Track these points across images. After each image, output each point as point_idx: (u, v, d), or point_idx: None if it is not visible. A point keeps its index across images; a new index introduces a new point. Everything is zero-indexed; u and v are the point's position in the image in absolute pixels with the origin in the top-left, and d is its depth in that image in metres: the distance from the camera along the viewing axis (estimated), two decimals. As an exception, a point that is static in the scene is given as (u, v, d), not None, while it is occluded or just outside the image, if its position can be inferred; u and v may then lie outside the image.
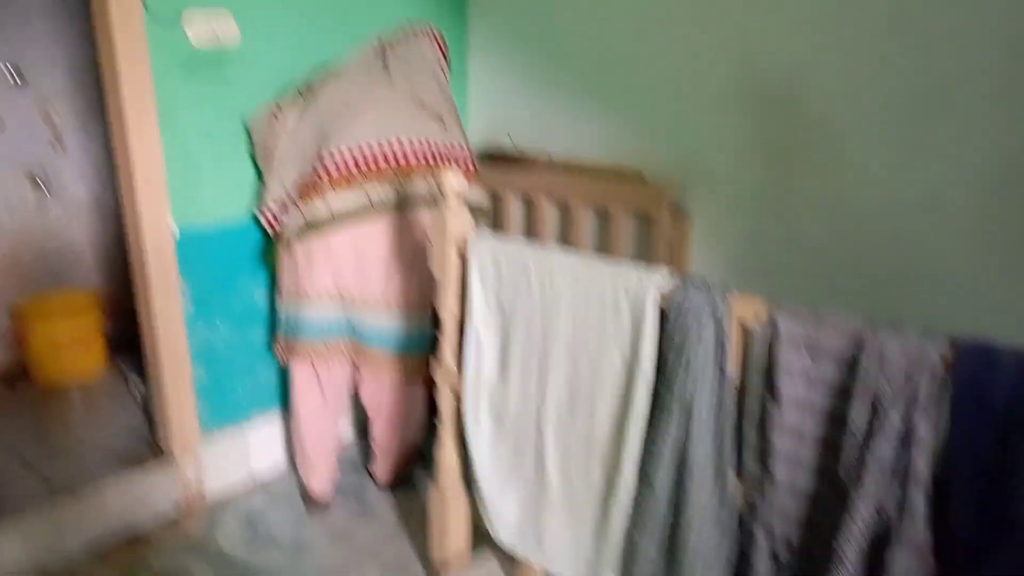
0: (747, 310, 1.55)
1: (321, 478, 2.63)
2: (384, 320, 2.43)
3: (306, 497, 2.65)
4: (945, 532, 1.32)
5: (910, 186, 2.12)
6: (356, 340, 2.46)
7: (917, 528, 1.34)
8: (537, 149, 2.90)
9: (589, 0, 2.68)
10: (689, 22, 2.45)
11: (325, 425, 2.59)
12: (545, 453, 1.88)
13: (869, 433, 1.35)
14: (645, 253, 2.55)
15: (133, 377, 3.10)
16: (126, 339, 2.74)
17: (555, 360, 1.82)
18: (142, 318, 2.52)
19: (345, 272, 2.37)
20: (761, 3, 2.29)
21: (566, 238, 2.73)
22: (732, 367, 1.58)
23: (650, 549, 1.70)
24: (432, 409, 2.59)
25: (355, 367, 2.57)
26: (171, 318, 2.47)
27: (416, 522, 2.58)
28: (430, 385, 2.57)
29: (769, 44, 2.29)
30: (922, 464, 1.31)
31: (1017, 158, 1.97)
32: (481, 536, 2.25)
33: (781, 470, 1.51)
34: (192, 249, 2.46)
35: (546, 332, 1.81)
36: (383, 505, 2.70)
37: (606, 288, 1.69)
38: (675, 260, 2.48)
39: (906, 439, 1.33)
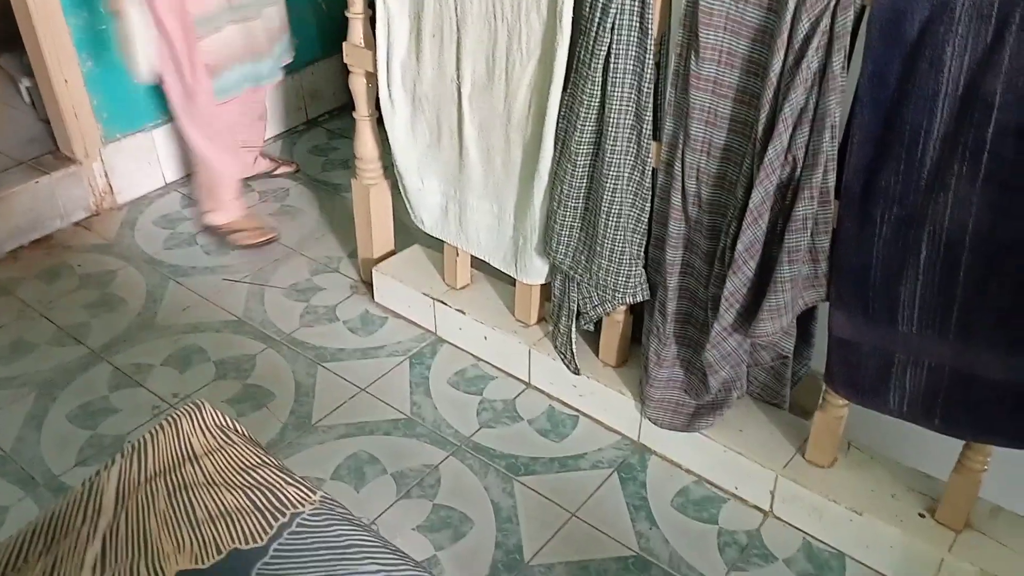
0: (670, -45, 1.43)
1: (231, 164, 2.39)
2: None
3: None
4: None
5: None
6: None
7: (825, 173, 1.36)
8: None
9: None
10: None
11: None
12: (463, 131, 1.83)
13: (783, 75, 1.32)
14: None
15: (23, 79, 2.86)
16: (7, 37, 2.49)
17: (470, 28, 1.70)
18: (16, 8, 2.27)
19: None
20: None
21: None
22: (655, 22, 1.49)
23: (570, 220, 1.72)
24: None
25: None
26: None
27: (340, 219, 2.58)
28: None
29: None
30: (833, 104, 1.29)
31: None
32: (408, 233, 2.26)
33: (697, 127, 1.49)
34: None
35: (457, -5, 1.67)
36: (307, 203, 2.67)
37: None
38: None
39: (821, 80, 1.30)
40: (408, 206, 2.04)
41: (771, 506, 1.70)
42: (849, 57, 1.29)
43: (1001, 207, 1.21)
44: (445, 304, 2.09)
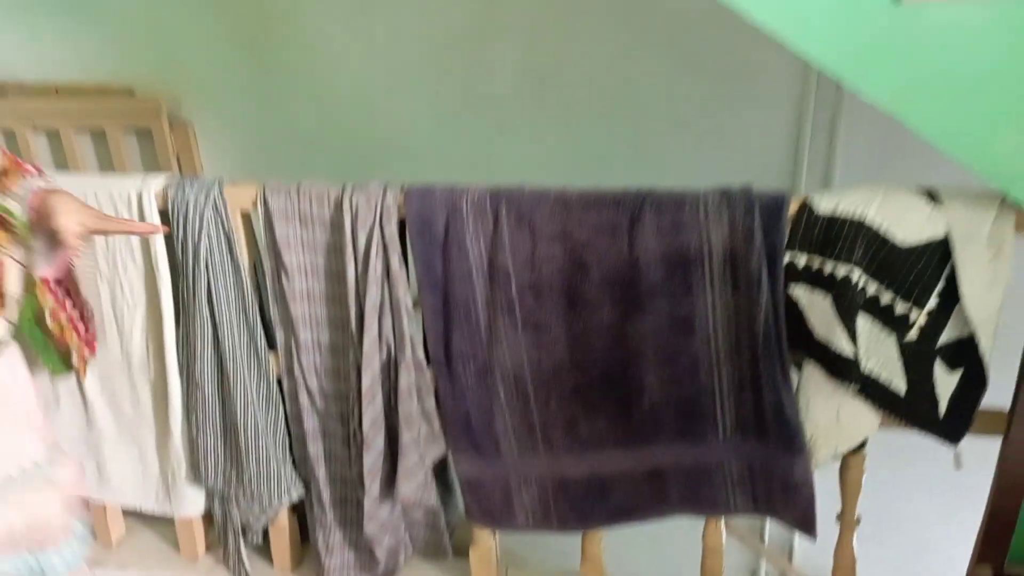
0: (244, 197, 1.66)
1: None
2: None
3: None
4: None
5: (373, 62, 2.42)
6: None
7: (413, 348, 1.63)
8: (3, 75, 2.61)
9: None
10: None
11: None
12: (83, 387, 1.84)
13: (358, 279, 1.59)
14: (154, 168, 2.51)
15: None
16: None
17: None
18: None
19: None
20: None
21: (64, 166, 2.55)
22: (243, 255, 1.69)
23: (212, 442, 1.80)
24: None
25: None
26: None
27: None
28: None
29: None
30: (402, 293, 1.59)
31: (453, 34, 2.36)
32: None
33: (304, 333, 1.70)
34: None
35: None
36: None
37: (104, 201, 1.66)
38: (184, 169, 2.48)
39: (388, 278, 1.59)
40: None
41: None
42: (405, 255, 1.61)
43: (537, 342, 1.57)
44: (103, 567, 1.99)
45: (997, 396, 1.47)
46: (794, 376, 1.53)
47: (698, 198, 1.46)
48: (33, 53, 2.55)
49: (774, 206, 1.43)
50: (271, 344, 1.76)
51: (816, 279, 1.43)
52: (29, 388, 1.44)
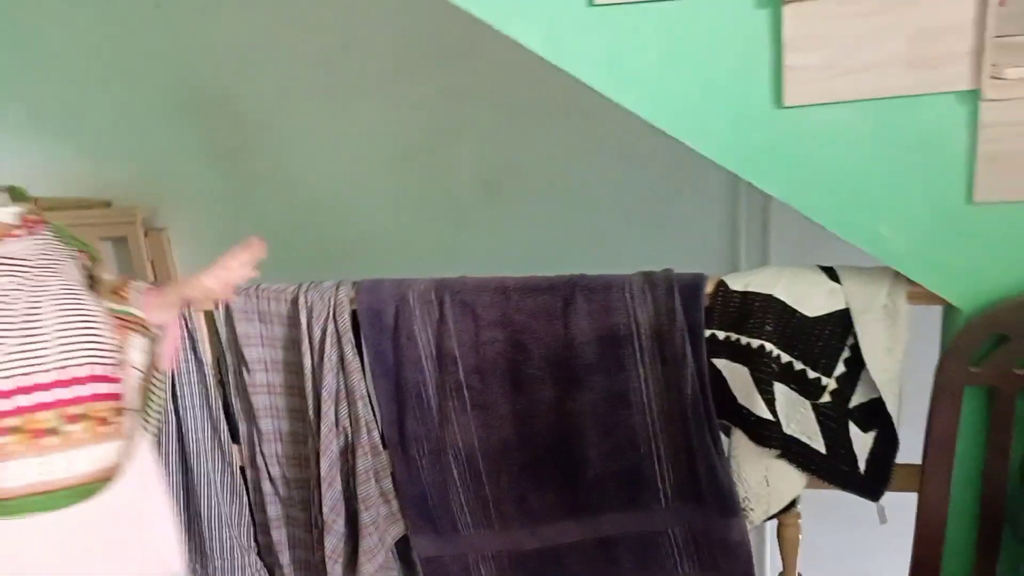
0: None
1: None
2: None
3: None
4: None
5: (340, 167, 2.59)
6: None
7: (369, 432, 1.73)
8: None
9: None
10: (127, 44, 2.57)
11: None
12: None
13: (315, 369, 1.70)
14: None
15: None
16: None
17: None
18: None
19: None
20: (193, 21, 2.52)
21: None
22: (206, 351, 1.80)
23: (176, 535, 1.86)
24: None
25: None
26: None
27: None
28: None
29: (205, 58, 2.54)
30: (356, 381, 1.70)
31: (414, 140, 2.55)
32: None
33: (266, 423, 1.79)
34: None
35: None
36: None
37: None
38: (158, 275, 2.61)
39: (343, 366, 1.70)
40: None
41: None
42: (359, 346, 1.72)
43: (486, 421, 1.67)
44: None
45: (915, 453, 1.58)
46: (726, 442, 1.63)
47: (624, 282, 1.60)
48: (18, 169, 2.70)
49: (692, 286, 1.57)
50: (234, 436, 1.85)
51: (735, 351, 1.56)
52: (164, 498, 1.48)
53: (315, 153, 2.62)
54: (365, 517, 1.73)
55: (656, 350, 1.59)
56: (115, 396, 1.28)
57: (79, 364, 1.22)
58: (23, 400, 1.17)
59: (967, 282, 1.41)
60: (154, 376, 1.45)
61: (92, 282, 1.39)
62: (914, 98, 1.32)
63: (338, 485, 1.75)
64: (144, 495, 1.40)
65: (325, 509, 1.73)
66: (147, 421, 1.45)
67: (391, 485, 1.76)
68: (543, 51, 1.39)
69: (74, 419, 1.20)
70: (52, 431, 1.18)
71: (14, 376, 1.17)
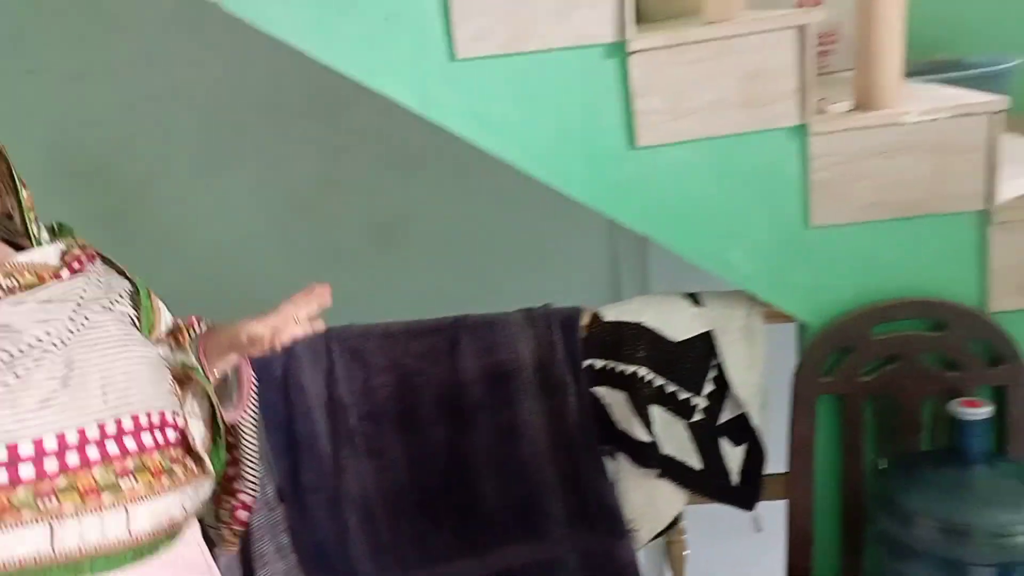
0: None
1: None
2: None
3: None
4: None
5: (225, 226, 2.59)
6: None
7: (263, 487, 1.72)
8: None
9: None
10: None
11: None
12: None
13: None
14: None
15: None
16: None
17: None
18: None
19: None
20: (66, 88, 2.49)
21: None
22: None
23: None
24: None
25: None
26: None
27: None
28: None
29: (79, 124, 2.52)
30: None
31: (300, 194, 2.58)
32: None
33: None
34: None
35: None
36: None
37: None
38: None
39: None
40: None
41: None
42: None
43: (380, 466, 1.70)
44: None
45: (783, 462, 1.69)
46: (613, 466, 1.71)
47: (506, 319, 1.67)
48: None
49: (569, 319, 1.65)
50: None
51: (613, 378, 1.64)
52: None
53: (198, 213, 2.62)
54: (261, 574, 1.71)
55: (540, 383, 1.66)
56: (171, 445, 1.17)
57: (130, 414, 1.12)
58: (72, 457, 1.06)
59: (812, 300, 1.54)
60: (220, 425, 1.29)
61: (141, 324, 1.26)
62: (749, 135, 1.46)
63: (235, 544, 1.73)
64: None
65: (220, 571, 1.71)
66: (212, 472, 1.26)
67: (288, 540, 1.75)
68: (412, 104, 1.46)
69: (129, 473, 1.09)
70: (109, 487, 1.08)
71: (65, 430, 1.05)
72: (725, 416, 1.62)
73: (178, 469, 1.17)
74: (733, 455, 1.63)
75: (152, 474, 1.12)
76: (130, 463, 1.10)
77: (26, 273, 1.13)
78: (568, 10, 1.41)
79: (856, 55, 1.52)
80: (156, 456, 1.13)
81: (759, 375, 1.59)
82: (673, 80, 1.43)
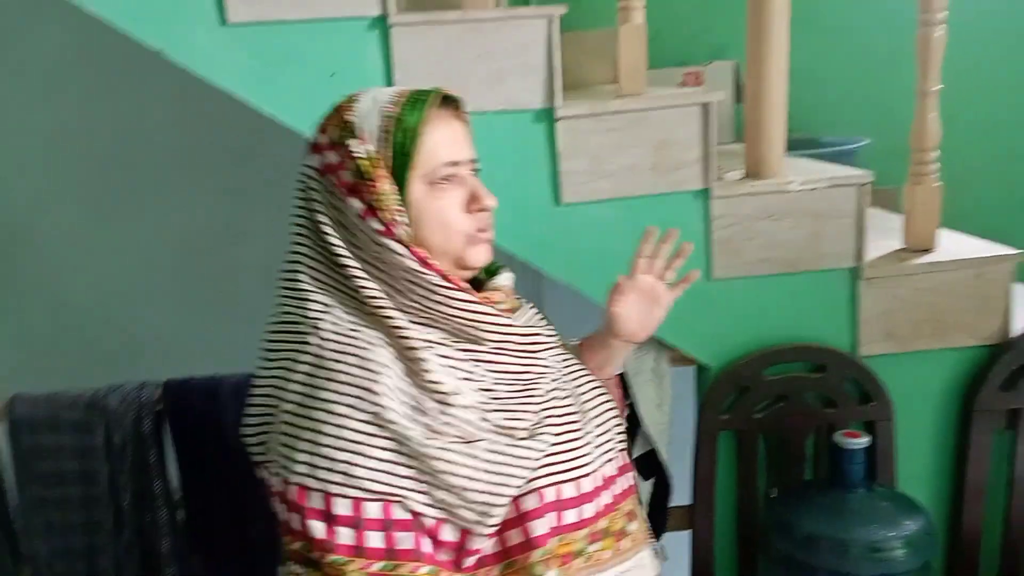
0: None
1: None
2: None
3: None
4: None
5: (115, 270, 2.52)
6: None
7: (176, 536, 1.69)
8: None
9: None
10: None
11: None
12: None
13: (114, 477, 1.64)
14: None
15: None
16: None
17: None
18: None
19: None
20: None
21: None
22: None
23: None
24: None
25: None
26: None
27: None
28: None
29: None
30: (159, 487, 1.66)
31: (196, 240, 2.55)
32: None
33: (57, 540, 1.68)
34: None
35: None
36: None
37: None
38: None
39: (145, 470, 1.65)
40: None
41: None
42: (160, 447, 1.69)
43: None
44: None
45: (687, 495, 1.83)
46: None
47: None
48: None
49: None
50: (17, 556, 1.70)
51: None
52: None
53: (86, 258, 2.53)
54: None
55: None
56: (634, 489, 1.16)
57: (614, 459, 1.11)
58: (606, 496, 1.06)
59: (713, 345, 1.71)
60: None
61: None
62: (660, 196, 1.62)
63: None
64: None
65: None
66: None
67: None
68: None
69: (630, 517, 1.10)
70: (620, 532, 1.08)
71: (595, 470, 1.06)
72: (636, 452, 1.75)
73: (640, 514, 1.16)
74: (643, 488, 1.76)
75: (628, 518, 1.10)
76: (628, 507, 1.10)
77: None
78: (501, 77, 1.53)
79: (746, 130, 1.74)
80: (630, 502, 1.12)
81: (667, 414, 1.73)
82: (594, 145, 1.58)
